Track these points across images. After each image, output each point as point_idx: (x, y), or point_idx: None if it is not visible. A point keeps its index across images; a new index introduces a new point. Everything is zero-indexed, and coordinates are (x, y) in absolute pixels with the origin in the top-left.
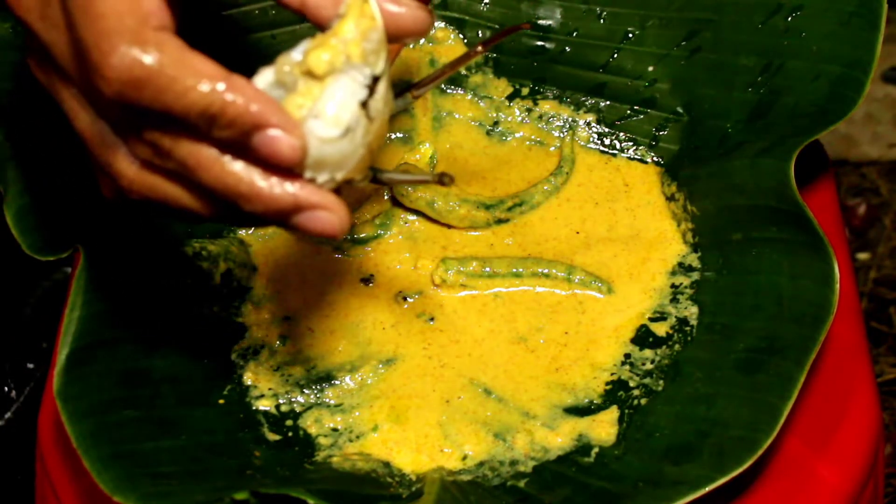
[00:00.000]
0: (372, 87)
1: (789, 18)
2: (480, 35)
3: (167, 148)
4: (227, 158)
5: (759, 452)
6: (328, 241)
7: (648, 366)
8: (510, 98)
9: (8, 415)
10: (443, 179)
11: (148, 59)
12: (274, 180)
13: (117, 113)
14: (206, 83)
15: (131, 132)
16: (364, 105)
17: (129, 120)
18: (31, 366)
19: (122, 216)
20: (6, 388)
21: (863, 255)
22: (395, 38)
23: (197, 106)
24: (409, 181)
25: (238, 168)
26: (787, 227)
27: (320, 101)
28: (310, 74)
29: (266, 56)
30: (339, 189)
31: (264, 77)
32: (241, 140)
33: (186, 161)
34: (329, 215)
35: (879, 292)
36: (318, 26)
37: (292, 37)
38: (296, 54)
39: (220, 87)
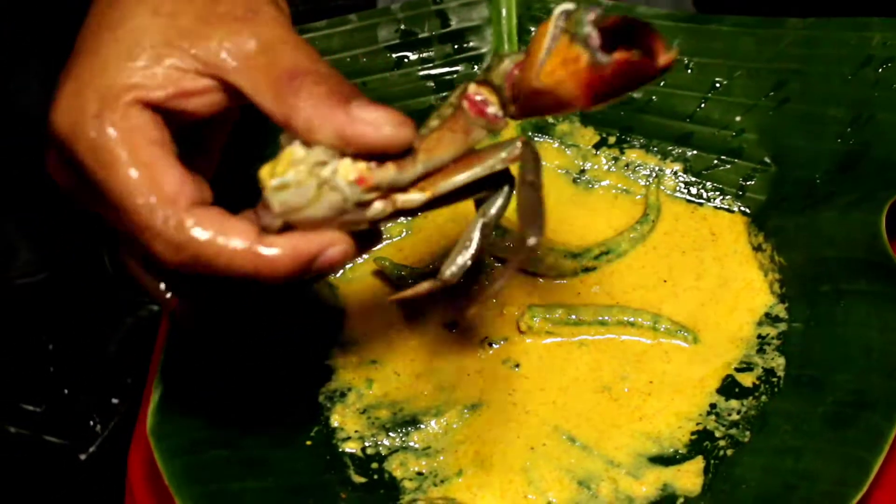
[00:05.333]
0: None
1: (880, 70)
2: None
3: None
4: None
5: None
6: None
7: (734, 416)
8: (597, 147)
9: (93, 448)
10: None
11: (190, 244)
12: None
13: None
14: (247, 254)
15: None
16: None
17: None
18: (115, 401)
19: None
20: (91, 423)
21: None
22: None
23: (246, 271)
24: (505, 276)
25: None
26: (878, 280)
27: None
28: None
29: None
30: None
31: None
32: (299, 276)
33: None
34: (333, 249)
35: None
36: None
37: (383, 84)
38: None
39: (263, 254)
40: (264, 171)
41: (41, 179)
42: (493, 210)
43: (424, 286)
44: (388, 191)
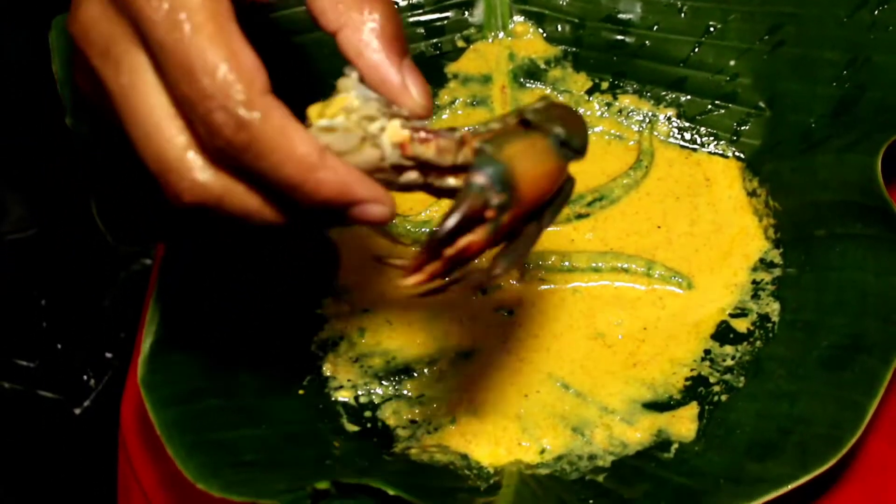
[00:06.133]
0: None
1: (875, 12)
2: (560, 29)
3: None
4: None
5: (844, 451)
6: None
7: (729, 362)
8: (589, 92)
9: (87, 403)
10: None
11: (253, 125)
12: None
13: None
14: (303, 160)
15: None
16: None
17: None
18: (109, 355)
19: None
20: (85, 377)
21: None
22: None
23: (292, 180)
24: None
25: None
26: (874, 223)
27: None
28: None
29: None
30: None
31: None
32: (330, 211)
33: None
34: (377, 206)
35: None
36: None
37: None
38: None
39: (316, 167)
40: (313, 110)
41: (31, 135)
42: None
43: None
44: (424, 165)
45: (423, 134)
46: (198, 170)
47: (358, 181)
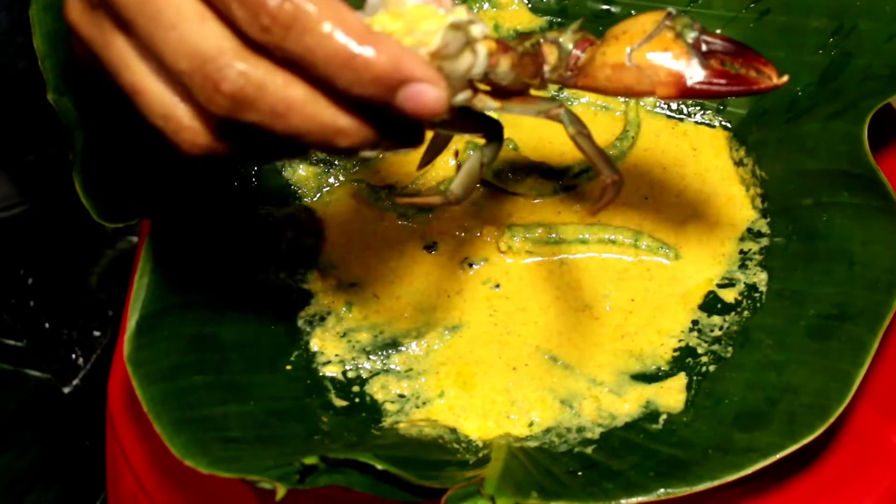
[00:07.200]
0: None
1: None
2: (545, 0)
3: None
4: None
5: (831, 420)
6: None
7: (717, 332)
8: None
9: (76, 381)
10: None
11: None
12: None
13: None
14: (353, 34)
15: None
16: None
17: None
18: (97, 333)
19: (188, 181)
20: (74, 356)
21: None
22: None
23: (341, 53)
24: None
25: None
26: (860, 191)
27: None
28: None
29: None
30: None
31: None
32: (380, 96)
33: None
34: (430, 88)
35: None
36: None
37: None
38: None
39: (366, 41)
40: (379, 20)
41: (16, 113)
42: (490, 152)
43: (435, 199)
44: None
45: (503, 44)
46: (237, 56)
47: (412, 57)
